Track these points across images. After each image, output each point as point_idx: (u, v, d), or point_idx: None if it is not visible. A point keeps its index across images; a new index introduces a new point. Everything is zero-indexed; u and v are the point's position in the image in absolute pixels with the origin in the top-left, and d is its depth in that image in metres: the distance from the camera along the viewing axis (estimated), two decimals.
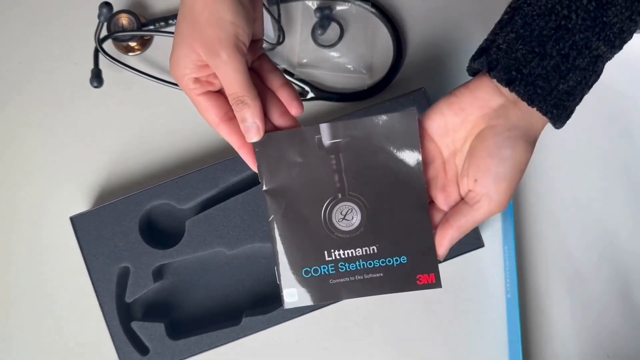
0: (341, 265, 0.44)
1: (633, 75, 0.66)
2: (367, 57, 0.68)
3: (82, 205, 0.66)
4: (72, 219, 0.63)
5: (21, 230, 0.67)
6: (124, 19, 0.65)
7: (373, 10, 0.67)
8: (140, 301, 0.64)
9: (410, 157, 0.44)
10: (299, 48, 0.68)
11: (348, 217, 0.44)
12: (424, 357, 0.65)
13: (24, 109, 0.69)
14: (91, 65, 0.64)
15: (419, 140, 0.44)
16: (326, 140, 0.44)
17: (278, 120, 0.45)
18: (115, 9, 0.64)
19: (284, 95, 0.46)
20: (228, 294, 0.65)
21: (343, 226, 0.44)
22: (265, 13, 0.62)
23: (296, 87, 0.66)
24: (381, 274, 0.44)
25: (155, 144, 0.67)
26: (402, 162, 0.44)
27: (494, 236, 0.65)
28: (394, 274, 0.44)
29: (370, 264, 0.44)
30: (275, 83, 0.46)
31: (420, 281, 0.44)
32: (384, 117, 0.44)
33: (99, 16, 0.61)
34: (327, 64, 0.68)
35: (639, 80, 0.66)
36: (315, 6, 0.68)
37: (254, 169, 0.45)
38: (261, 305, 0.63)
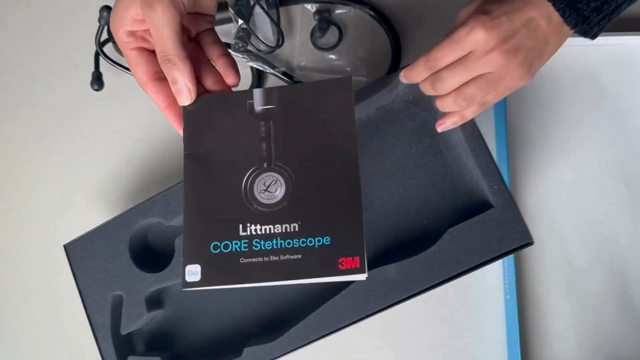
0: (256, 242, 0.39)
1: (633, 78, 0.66)
2: (365, 60, 0.68)
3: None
4: (65, 247, 0.59)
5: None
6: None
7: (372, 13, 0.67)
8: (142, 332, 0.60)
9: (344, 127, 0.41)
10: (297, 51, 0.69)
11: (271, 189, 0.40)
12: (422, 357, 0.65)
13: (24, 112, 0.69)
14: (92, 69, 0.65)
15: (354, 109, 0.41)
16: (258, 106, 0.42)
17: (212, 86, 0.44)
18: None
19: (221, 64, 0.44)
20: (233, 320, 0.59)
21: (264, 198, 0.40)
22: (264, 16, 0.63)
23: None
24: (299, 256, 0.38)
25: (156, 148, 0.68)
26: (334, 132, 0.41)
27: None
28: (314, 257, 0.38)
29: (289, 243, 0.39)
30: (214, 53, 0.45)
31: (343, 265, 0.38)
32: (319, 83, 0.42)
33: (100, 19, 0.62)
34: (325, 67, 0.69)
35: (638, 81, 0.67)
36: (314, 9, 0.68)
37: (179, 131, 0.43)
38: (269, 330, 0.57)
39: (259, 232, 0.39)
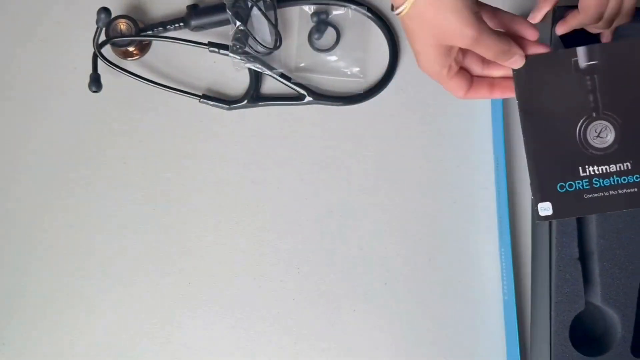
0: (595, 180, 0.46)
1: None
2: (363, 61, 0.68)
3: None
4: None
5: None
6: (122, 25, 0.66)
7: (369, 14, 0.67)
8: None
9: None
10: (296, 52, 0.69)
11: (602, 134, 0.46)
12: (421, 357, 0.65)
13: (21, 113, 0.69)
14: (90, 70, 0.65)
15: None
16: (582, 63, 0.46)
17: (532, 50, 0.46)
18: (113, 15, 0.64)
19: (518, 27, 0.46)
20: None
21: (597, 143, 0.46)
22: (262, 18, 0.63)
23: (294, 90, 0.67)
24: (635, 189, 0.45)
25: (155, 149, 0.68)
26: None
27: (490, 239, 0.66)
28: None
29: (624, 179, 0.45)
30: (505, 22, 0.46)
31: None
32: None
33: (97, 21, 0.62)
34: (324, 68, 0.69)
35: None
36: (312, 11, 0.68)
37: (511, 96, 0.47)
38: None
39: (596, 172, 0.46)
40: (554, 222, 0.58)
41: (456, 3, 0.41)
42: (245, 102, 0.67)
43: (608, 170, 0.46)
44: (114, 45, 0.67)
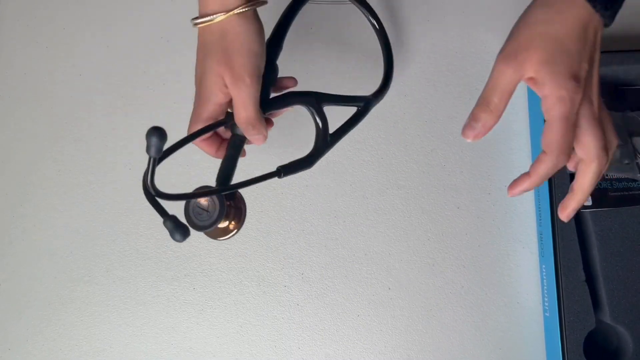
0: (615, 182, 0.60)
1: None
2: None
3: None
4: None
5: None
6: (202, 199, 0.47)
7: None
8: None
9: None
10: None
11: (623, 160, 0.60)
12: None
13: (28, 118, 0.70)
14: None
15: None
16: None
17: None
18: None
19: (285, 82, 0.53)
20: None
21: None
22: None
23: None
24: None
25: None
26: None
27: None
28: None
29: (633, 184, 0.60)
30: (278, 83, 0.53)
31: None
32: None
33: (149, 149, 0.38)
34: None
35: None
36: None
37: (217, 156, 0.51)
38: None
39: (613, 177, 0.61)
40: (560, 247, 0.60)
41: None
42: None
43: (619, 177, 0.59)
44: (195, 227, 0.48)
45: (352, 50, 0.70)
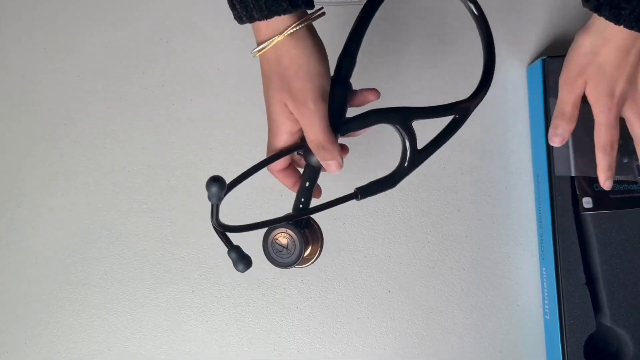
0: (615, 185, 0.60)
1: None
2: None
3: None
4: None
5: None
6: (281, 237, 0.48)
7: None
8: None
9: None
10: None
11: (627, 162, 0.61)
12: None
13: (26, 121, 0.70)
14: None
15: None
16: None
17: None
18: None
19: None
20: None
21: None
22: None
23: None
24: None
25: (160, 154, 0.68)
26: None
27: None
28: None
29: (632, 187, 0.61)
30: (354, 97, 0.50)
31: None
32: None
33: (211, 197, 0.43)
34: None
35: None
36: None
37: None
38: None
39: (616, 180, 0.58)
40: (560, 250, 0.61)
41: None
42: None
43: (621, 180, 0.60)
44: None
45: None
